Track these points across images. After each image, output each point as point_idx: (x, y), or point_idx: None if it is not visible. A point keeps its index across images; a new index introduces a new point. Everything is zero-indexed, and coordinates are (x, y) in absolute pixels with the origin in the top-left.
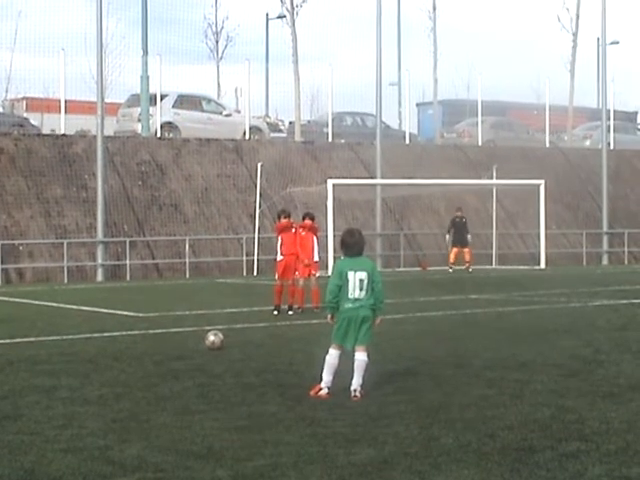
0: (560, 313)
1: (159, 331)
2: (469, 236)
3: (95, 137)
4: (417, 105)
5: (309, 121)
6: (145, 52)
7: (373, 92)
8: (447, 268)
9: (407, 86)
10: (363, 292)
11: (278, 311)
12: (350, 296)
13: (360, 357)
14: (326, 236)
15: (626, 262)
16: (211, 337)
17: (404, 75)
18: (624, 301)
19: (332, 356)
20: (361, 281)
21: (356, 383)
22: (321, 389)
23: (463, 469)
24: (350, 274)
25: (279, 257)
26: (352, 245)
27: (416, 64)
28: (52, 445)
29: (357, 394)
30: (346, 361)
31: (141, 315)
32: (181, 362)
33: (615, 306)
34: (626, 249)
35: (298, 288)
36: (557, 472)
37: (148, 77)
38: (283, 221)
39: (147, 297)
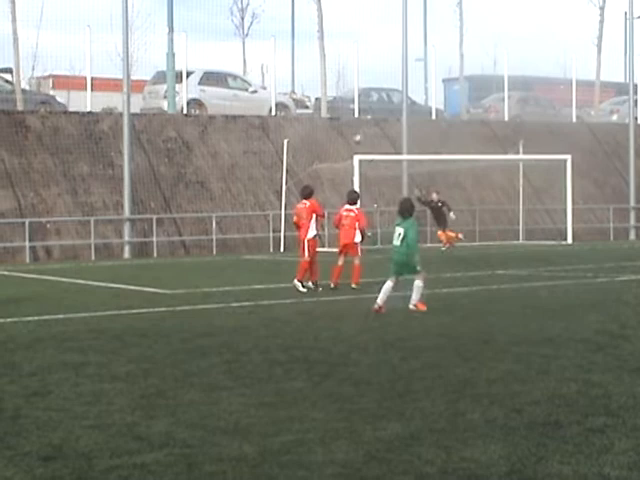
0: (587, 288)
1: (186, 308)
2: (451, 215)
3: (121, 114)
4: (443, 81)
5: (335, 97)
6: (171, 29)
7: (399, 68)
8: (465, 244)
9: (433, 62)
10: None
11: (316, 285)
12: None
13: None
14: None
15: None
16: None
17: (430, 51)
18: None
19: None
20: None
21: None
22: None
23: (490, 444)
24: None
25: (314, 234)
26: None
27: (442, 40)
28: (80, 421)
29: None
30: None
31: (168, 292)
32: (208, 339)
33: None
34: None
35: (337, 265)
36: (583, 447)
37: (174, 54)
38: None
39: (174, 274)
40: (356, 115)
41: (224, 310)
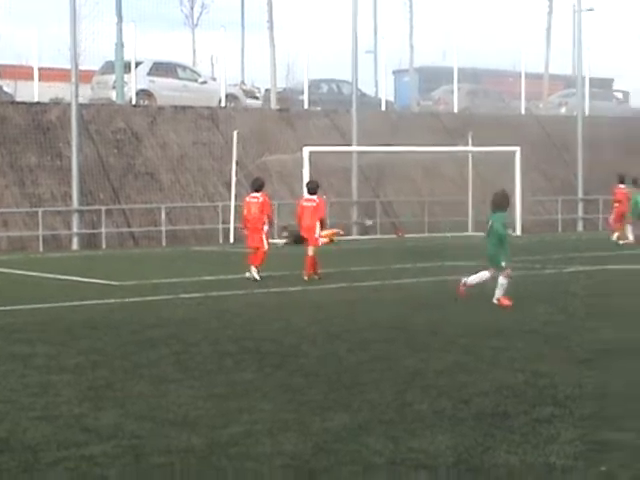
0: (535, 280)
1: (135, 299)
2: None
3: (69, 105)
4: (393, 72)
5: (285, 88)
6: (119, 19)
7: (349, 59)
8: (415, 235)
9: (383, 53)
10: None
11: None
12: None
13: None
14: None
15: (600, 228)
16: None
17: (380, 42)
18: (598, 267)
19: None
20: None
21: None
22: None
23: (437, 434)
24: None
25: (267, 227)
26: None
27: (392, 31)
28: (27, 413)
29: None
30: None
31: (117, 283)
32: (157, 330)
33: (590, 272)
34: (600, 215)
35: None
36: (531, 437)
37: (123, 44)
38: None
39: (123, 265)
40: (306, 106)
41: (173, 302)
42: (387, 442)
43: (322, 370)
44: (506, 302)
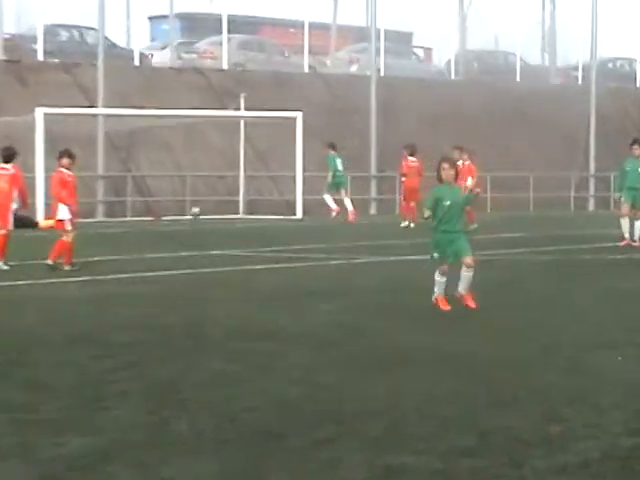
0: (318, 273)
1: None
2: None
3: None
4: (149, 19)
5: (14, 35)
6: None
7: (95, 2)
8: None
9: None
10: None
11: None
12: None
13: None
14: (34, 177)
15: (397, 211)
16: None
17: None
18: (392, 258)
19: None
20: None
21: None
22: None
23: (198, 459)
24: None
25: (16, 206)
26: None
27: None
28: None
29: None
30: None
31: None
32: None
33: (381, 263)
34: (397, 196)
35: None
36: (309, 461)
37: None
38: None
39: None
40: (40, 58)
41: None
42: (136, 470)
43: (57, 382)
44: (443, 306)
